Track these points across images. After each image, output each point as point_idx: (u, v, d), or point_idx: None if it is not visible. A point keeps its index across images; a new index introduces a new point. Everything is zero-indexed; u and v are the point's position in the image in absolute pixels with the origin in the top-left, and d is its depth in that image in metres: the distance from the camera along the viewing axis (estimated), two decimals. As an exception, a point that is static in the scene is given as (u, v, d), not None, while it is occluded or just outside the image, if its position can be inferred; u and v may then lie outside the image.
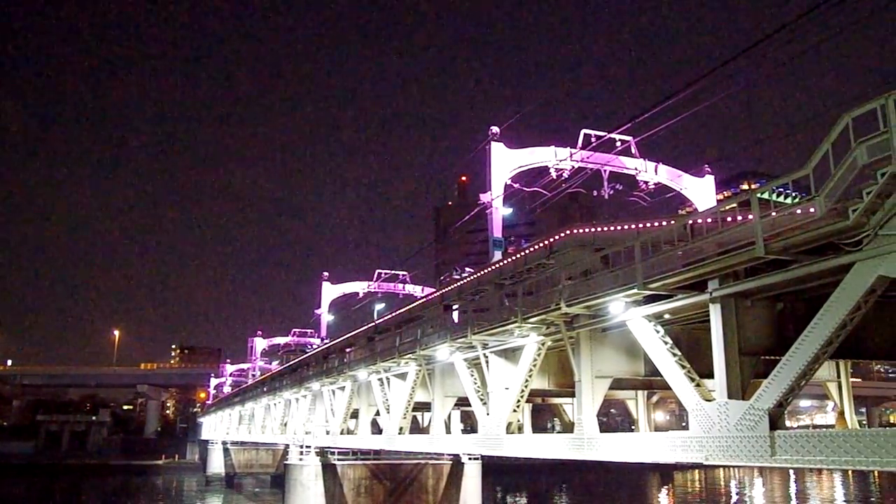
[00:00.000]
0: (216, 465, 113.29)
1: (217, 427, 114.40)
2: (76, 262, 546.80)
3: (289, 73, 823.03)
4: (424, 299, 39.61)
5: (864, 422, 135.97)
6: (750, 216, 13.38)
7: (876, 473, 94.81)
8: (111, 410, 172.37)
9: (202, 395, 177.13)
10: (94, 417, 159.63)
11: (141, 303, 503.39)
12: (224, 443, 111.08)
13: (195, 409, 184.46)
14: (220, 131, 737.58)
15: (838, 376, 21.01)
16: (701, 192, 39.88)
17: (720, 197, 42.75)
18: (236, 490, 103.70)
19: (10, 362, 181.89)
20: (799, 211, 12.80)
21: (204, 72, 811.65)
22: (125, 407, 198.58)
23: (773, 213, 13.31)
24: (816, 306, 13.10)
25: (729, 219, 14.98)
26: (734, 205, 15.46)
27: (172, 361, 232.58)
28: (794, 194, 13.24)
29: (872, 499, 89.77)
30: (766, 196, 13.63)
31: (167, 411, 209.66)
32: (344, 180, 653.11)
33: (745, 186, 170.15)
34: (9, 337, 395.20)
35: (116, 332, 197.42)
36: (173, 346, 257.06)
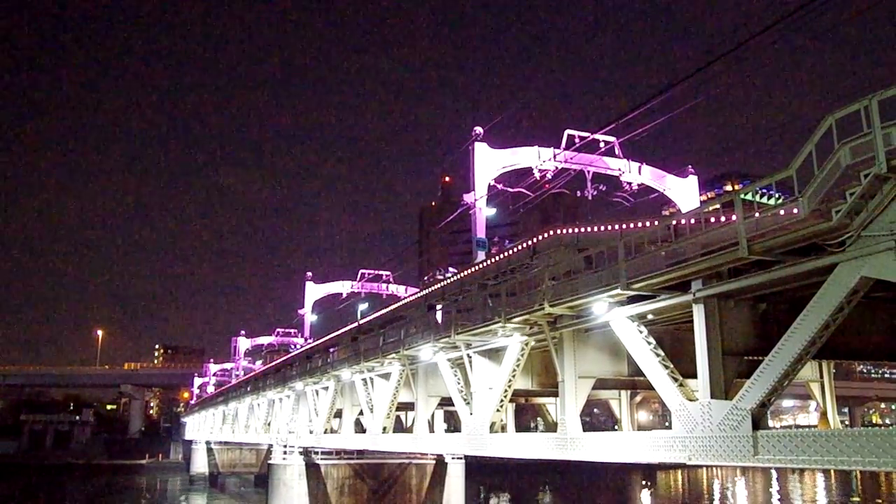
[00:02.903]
0: (200, 464, 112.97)
1: (201, 427, 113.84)
2: (59, 262, 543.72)
3: (273, 74, 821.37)
4: (408, 299, 39.51)
5: (847, 422, 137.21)
6: (733, 217, 13.38)
7: (858, 473, 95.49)
8: (94, 410, 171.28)
9: (186, 394, 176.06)
10: (77, 417, 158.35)
11: (124, 303, 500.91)
12: (208, 442, 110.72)
13: (179, 409, 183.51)
14: (202, 131, 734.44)
15: (821, 376, 21.10)
16: (684, 192, 39.94)
17: (704, 198, 42.79)
18: (220, 490, 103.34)
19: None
20: (782, 212, 12.78)
21: (187, 71, 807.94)
22: (108, 407, 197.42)
23: (757, 214, 13.27)
24: (800, 307, 13.11)
25: (712, 220, 14.95)
26: (718, 206, 15.41)
27: (156, 361, 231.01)
28: (777, 195, 13.19)
29: (854, 498, 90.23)
30: (749, 197, 13.59)
31: (151, 411, 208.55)
32: (328, 180, 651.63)
33: (729, 187, 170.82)
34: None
35: (99, 332, 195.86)
36: (156, 346, 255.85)
